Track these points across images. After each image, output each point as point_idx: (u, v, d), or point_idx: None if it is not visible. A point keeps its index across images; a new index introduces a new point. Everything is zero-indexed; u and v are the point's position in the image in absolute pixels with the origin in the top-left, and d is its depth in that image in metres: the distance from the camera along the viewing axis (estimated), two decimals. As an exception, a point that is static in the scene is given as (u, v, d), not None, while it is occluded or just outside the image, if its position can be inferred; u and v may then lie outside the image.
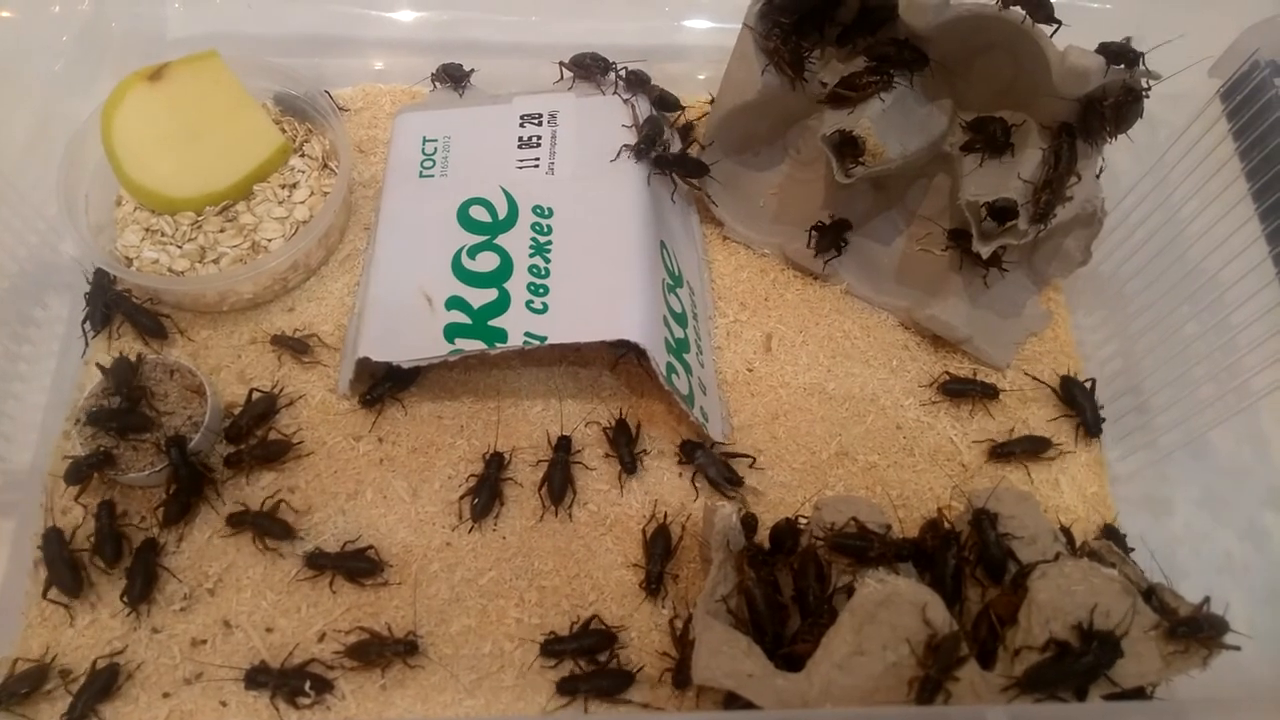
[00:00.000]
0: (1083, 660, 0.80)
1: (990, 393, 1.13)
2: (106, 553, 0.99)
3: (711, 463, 1.06)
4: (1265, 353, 0.99)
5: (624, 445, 1.07)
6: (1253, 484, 1.12)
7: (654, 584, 1.00)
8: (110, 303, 1.13)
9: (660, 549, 1.00)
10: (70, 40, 1.24)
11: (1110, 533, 1.06)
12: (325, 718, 0.94)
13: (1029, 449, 1.10)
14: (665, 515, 1.04)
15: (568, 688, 0.95)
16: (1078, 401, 1.12)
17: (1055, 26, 1.00)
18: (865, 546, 0.92)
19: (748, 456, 1.08)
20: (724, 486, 1.06)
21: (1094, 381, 1.14)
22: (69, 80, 1.23)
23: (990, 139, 1.09)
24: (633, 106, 1.18)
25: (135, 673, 0.96)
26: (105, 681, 0.94)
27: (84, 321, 1.13)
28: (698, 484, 1.07)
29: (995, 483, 1.07)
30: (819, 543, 0.93)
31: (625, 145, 1.14)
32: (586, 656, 0.97)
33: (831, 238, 1.17)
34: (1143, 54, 0.98)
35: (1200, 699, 0.84)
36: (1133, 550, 1.03)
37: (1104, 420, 1.13)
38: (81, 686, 0.94)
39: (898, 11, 1.02)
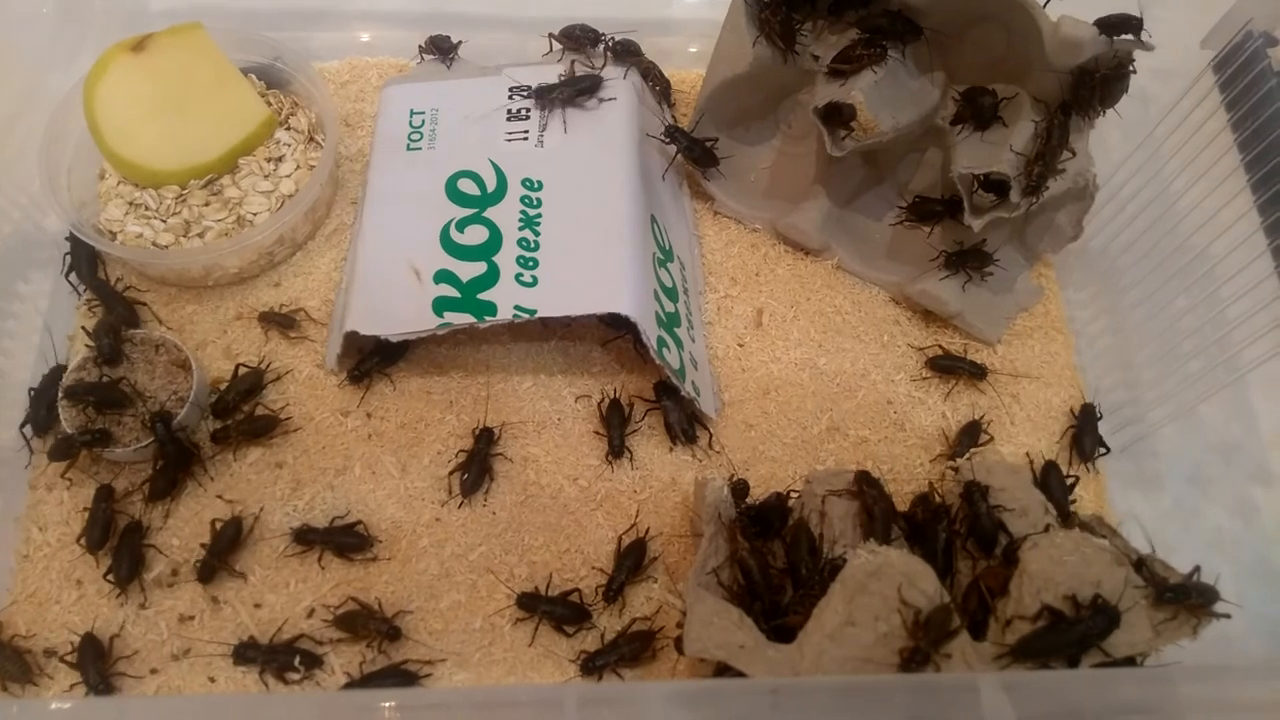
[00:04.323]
0: (1076, 628, 0.80)
1: (978, 372, 1.13)
2: (94, 537, 0.98)
3: (676, 409, 1.06)
4: (1255, 326, 0.99)
5: (616, 427, 1.06)
6: (1242, 459, 1.12)
7: (614, 593, 0.98)
8: (88, 284, 1.12)
9: (632, 562, 0.99)
10: (51, 11, 1.22)
11: (1086, 411, 1.09)
12: (313, 692, 0.94)
13: (970, 440, 1.09)
14: (647, 531, 1.02)
15: (527, 604, 0.97)
16: (1084, 430, 1.10)
17: (1047, -1, 1.00)
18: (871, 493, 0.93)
19: (708, 430, 1.08)
20: (676, 435, 1.06)
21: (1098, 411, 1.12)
22: (51, 52, 1.21)
23: (978, 112, 1.08)
24: (572, 63, 1.18)
25: (122, 649, 0.95)
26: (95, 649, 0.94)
27: (66, 274, 1.13)
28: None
29: (985, 456, 1.07)
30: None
31: (522, 87, 1.16)
32: (556, 622, 0.97)
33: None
34: (1141, 19, 0.97)
35: (1189, 665, 0.84)
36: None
37: (1103, 452, 1.10)
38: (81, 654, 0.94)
39: (890, -18, 1.02)
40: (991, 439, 1.10)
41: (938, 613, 0.81)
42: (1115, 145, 1.18)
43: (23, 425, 1.04)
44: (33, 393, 1.05)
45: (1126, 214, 1.16)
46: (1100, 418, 1.10)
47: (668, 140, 1.16)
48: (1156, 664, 0.85)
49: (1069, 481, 1.04)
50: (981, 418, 1.10)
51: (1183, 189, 1.08)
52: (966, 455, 1.07)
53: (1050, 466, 1.05)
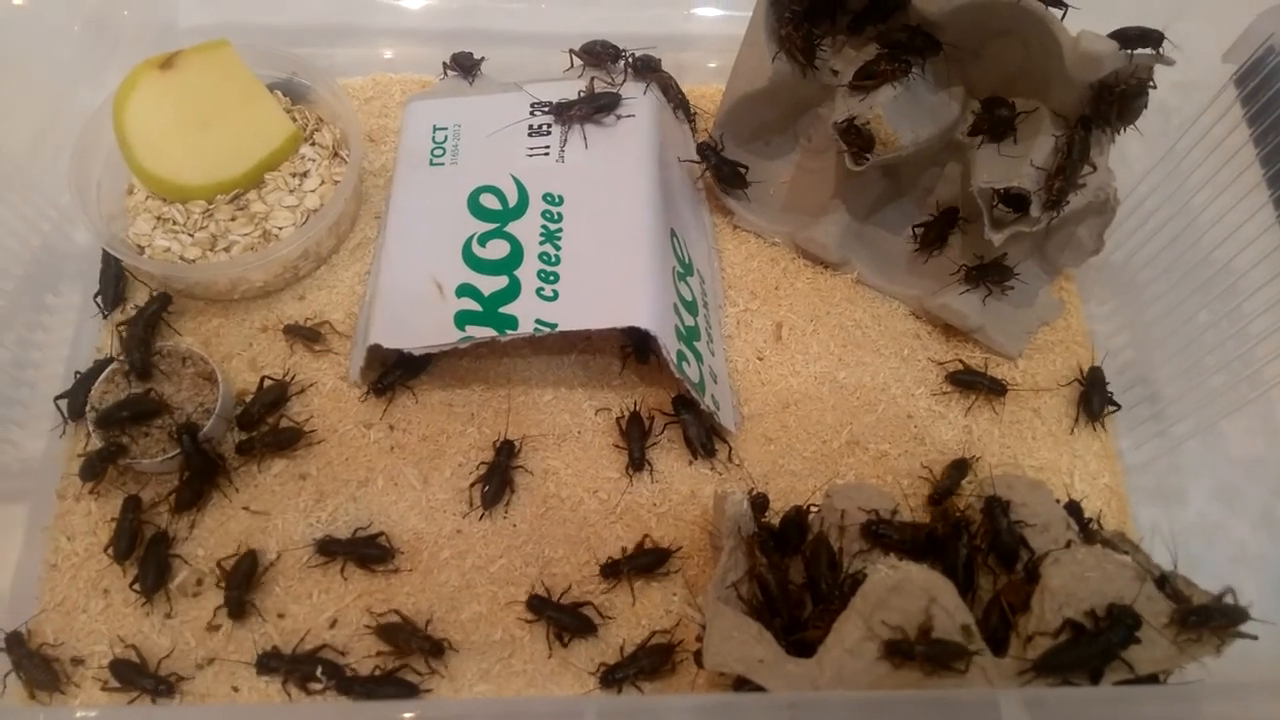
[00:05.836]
0: (1099, 640, 0.79)
1: (998, 390, 1.12)
2: (121, 547, 0.99)
3: (695, 424, 1.06)
4: (1278, 341, 0.98)
5: (636, 440, 1.06)
6: (1265, 473, 1.11)
7: (610, 571, 1.00)
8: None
9: (647, 561, 1.00)
10: (81, 29, 1.25)
11: (1094, 372, 1.13)
12: (335, 703, 0.95)
13: (958, 475, 1.06)
14: (679, 550, 1.02)
15: (536, 605, 0.98)
16: (1093, 390, 1.12)
17: (1063, 10, 0.99)
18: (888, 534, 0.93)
19: (728, 444, 1.08)
20: (696, 449, 1.06)
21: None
22: (80, 69, 1.23)
23: (995, 123, 1.08)
24: (592, 79, 1.19)
25: (148, 658, 0.96)
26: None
27: (96, 295, 1.15)
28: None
29: (1007, 470, 1.07)
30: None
31: (544, 103, 1.17)
32: (559, 629, 0.98)
33: (939, 229, 1.15)
34: (1161, 33, 0.97)
35: (1213, 683, 0.84)
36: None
37: (1112, 409, 1.12)
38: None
39: (910, -3, 1.02)
40: (975, 475, 1.07)
41: (953, 643, 0.80)
42: (1137, 158, 1.18)
43: (58, 398, 1.06)
44: (78, 375, 1.07)
45: (1148, 228, 1.15)
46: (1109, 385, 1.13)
47: (699, 159, 1.17)
48: (1179, 681, 0.84)
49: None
50: (973, 458, 1.08)
51: (1205, 203, 1.08)
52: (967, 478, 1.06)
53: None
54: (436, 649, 0.95)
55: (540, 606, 0.98)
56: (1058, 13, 0.99)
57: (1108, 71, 0.98)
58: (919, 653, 0.79)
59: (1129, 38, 0.97)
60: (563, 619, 0.97)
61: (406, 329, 1.05)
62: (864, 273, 1.20)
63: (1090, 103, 1.03)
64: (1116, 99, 1.01)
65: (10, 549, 1.02)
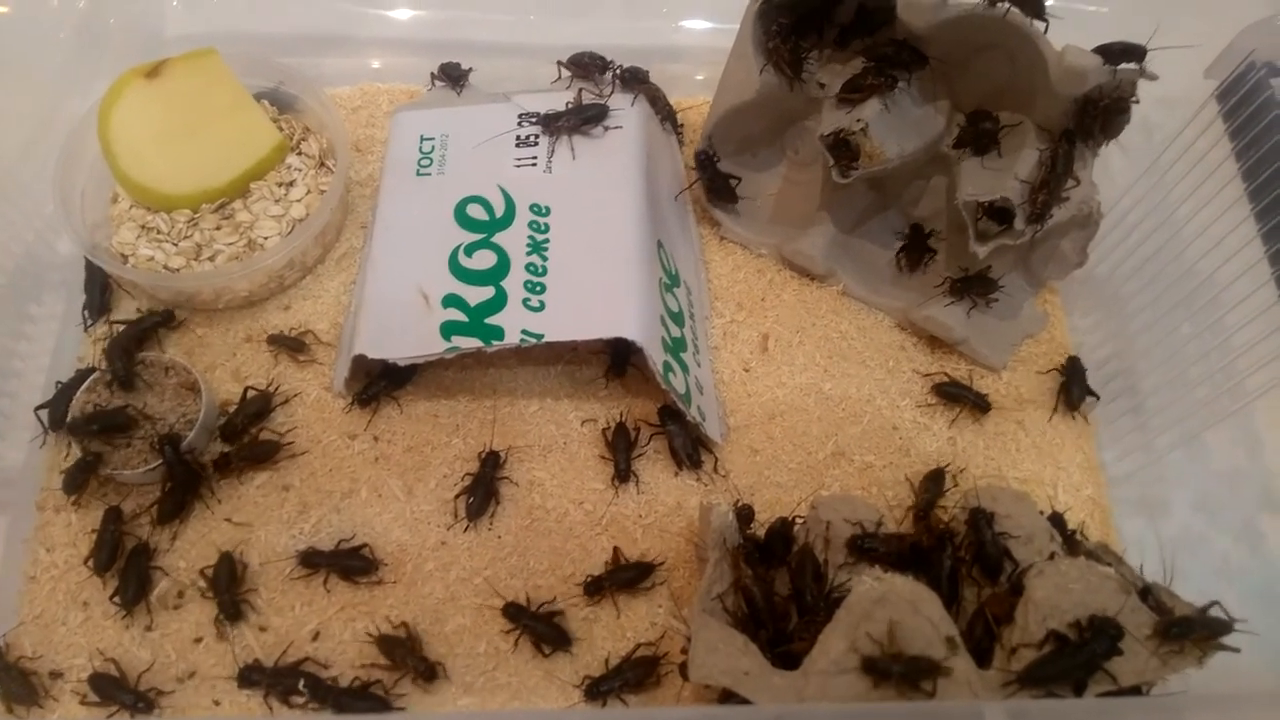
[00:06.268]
0: (1082, 652, 0.79)
1: (982, 405, 1.12)
2: (101, 559, 0.98)
3: (681, 435, 1.06)
4: (1260, 353, 0.99)
5: (622, 451, 1.06)
6: (1247, 486, 1.12)
7: (593, 588, 0.99)
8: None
9: (628, 576, 1.00)
10: (68, 37, 1.24)
11: (1072, 362, 1.15)
12: (318, 717, 0.94)
13: (935, 488, 1.06)
14: (663, 564, 1.02)
15: (512, 613, 0.97)
16: (1072, 380, 1.13)
17: (1045, 25, 1.00)
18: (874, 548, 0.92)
19: (713, 455, 1.08)
20: (682, 460, 1.06)
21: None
22: (66, 77, 1.23)
23: (979, 136, 1.09)
24: (580, 90, 1.19)
25: (128, 672, 0.95)
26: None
27: (84, 309, 1.14)
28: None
29: (991, 482, 1.07)
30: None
31: (531, 114, 1.17)
32: (536, 639, 0.97)
33: (918, 246, 1.17)
34: (1146, 49, 0.98)
35: (1196, 695, 0.84)
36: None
37: (1092, 399, 1.13)
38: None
39: (896, 12, 1.03)
40: (957, 485, 1.08)
41: (925, 659, 0.80)
42: (1120, 172, 1.19)
43: (39, 408, 1.06)
44: (59, 385, 1.07)
45: (1131, 241, 1.16)
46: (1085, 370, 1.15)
47: (694, 166, 1.18)
48: (1162, 693, 0.85)
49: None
50: (948, 466, 1.08)
51: (1187, 216, 1.09)
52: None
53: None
54: (429, 673, 0.94)
55: (517, 615, 0.97)
56: (1041, 26, 1.00)
57: (1092, 86, 0.99)
58: (895, 672, 0.78)
59: (1113, 53, 0.98)
60: (538, 628, 0.97)
61: (392, 339, 1.04)
62: (850, 284, 1.20)
63: (1074, 117, 1.04)
64: (1100, 113, 1.02)
65: (-11, 560, 1.01)
